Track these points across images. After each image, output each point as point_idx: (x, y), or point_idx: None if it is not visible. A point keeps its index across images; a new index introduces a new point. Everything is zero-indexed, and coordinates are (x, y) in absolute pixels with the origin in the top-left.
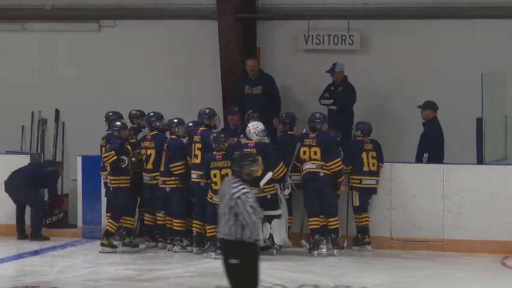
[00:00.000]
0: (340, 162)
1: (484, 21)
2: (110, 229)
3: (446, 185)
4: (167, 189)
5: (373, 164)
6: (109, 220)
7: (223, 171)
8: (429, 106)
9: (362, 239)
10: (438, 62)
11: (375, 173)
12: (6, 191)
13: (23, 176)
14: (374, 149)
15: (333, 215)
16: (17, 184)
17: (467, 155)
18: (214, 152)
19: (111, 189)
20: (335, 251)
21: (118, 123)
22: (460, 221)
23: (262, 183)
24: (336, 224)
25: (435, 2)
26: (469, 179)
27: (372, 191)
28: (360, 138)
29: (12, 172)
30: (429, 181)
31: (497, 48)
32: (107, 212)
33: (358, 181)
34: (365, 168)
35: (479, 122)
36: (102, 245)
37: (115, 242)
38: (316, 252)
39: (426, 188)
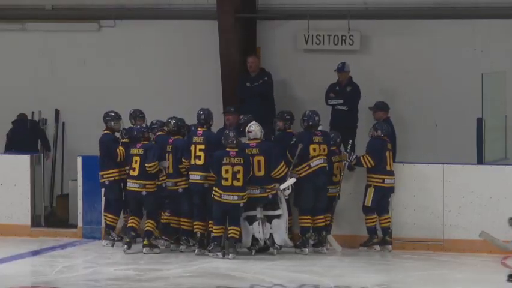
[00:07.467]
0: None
1: (484, 21)
2: (150, 229)
3: (446, 185)
4: (180, 190)
5: (391, 164)
6: (148, 220)
7: (236, 168)
8: (381, 107)
9: (370, 239)
10: (438, 62)
11: (393, 173)
12: None
13: None
14: (391, 149)
15: (326, 210)
16: None
17: (467, 155)
18: (227, 149)
19: (144, 193)
20: (325, 248)
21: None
22: (460, 221)
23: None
24: (328, 221)
25: (435, 2)
26: (469, 179)
27: (391, 190)
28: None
29: None
30: (429, 181)
31: (497, 48)
32: (104, 211)
33: (381, 180)
34: (388, 168)
35: (479, 122)
36: (144, 246)
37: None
38: (307, 250)
39: (426, 188)
